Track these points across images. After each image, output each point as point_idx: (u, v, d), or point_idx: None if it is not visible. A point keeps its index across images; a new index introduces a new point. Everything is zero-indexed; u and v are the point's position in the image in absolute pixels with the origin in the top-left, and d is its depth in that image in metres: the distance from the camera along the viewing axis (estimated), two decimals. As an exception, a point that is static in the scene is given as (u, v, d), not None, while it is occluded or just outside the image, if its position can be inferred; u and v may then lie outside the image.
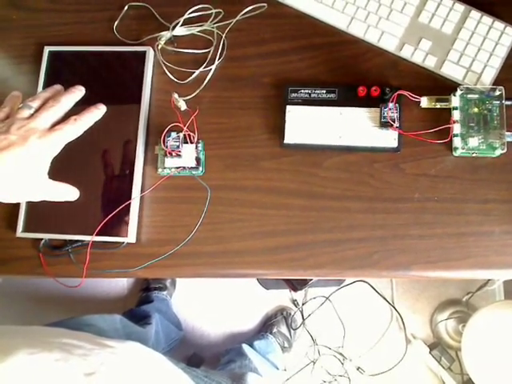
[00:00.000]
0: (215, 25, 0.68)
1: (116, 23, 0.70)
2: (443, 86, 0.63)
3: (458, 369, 1.34)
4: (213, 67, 0.67)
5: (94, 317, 0.77)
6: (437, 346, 1.35)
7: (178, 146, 0.62)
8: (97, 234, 0.61)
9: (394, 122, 0.60)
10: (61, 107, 0.53)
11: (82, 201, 0.63)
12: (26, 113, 0.52)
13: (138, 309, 1.23)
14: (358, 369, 1.38)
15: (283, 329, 1.36)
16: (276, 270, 0.62)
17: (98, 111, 0.55)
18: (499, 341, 1.05)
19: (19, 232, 0.63)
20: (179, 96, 0.63)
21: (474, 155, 0.61)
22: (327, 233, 0.61)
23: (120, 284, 1.46)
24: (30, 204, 0.64)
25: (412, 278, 0.63)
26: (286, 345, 1.34)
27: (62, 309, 1.41)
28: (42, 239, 0.64)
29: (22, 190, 0.51)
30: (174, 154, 0.62)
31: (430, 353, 1.35)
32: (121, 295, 1.46)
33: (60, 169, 0.65)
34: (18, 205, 0.64)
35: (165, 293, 1.36)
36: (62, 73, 0.69)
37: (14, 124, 0.50)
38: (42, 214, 0.64)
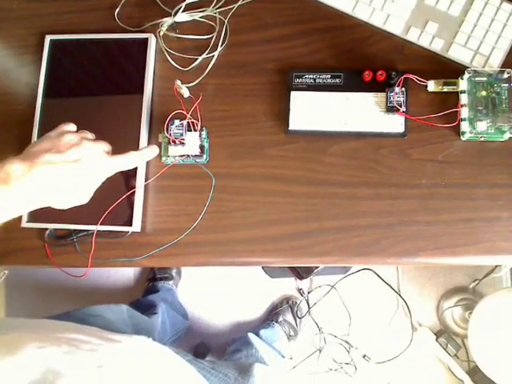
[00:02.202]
0: (217, 10, 0.67)
1: (117, 10, 0.69)
2: (450, 70, 0.62)
3: (465, 356, 1.34)
4: (216, 53, 0.66)
5: (100, 307, 0.78)
6: (443, 333, 1.35)
7: (182, 134, 0.61)
8: (101, 224, 0.61)
9: (401, 106, 0.59)
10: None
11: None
12: (89, 136, 0.56)
13: (145, 299, 1.23)
14: (364, 356, 1.38)
15: (289, 317, 1.36)
16: (281, 258, 0.61)
17: (152, 152, 0.60)
18: (506, 328, 1.05)
19: (24, 222, 0.63)
20: (182, 83, 0.62)
21: (482, 139, 0.60)
22: (333, 220, 0.61)
23: (126, 274, 1.47)
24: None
25: (419, 265, 0.62)
26: (292, 333, 1.34)
27: (69, 299, 1.42)
28: (47, 229, 0.64)
29: (75, 199, 0.53)
30: (177, 141, 0.61)
31: (436, 340, 1.35)
32: (127, 285, 1.46)
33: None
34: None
35: (171, 283, 1.36)
36: (64, 62, 0.68)
37: (85, 140, 0.53)
38: (47, 204, 0.64)
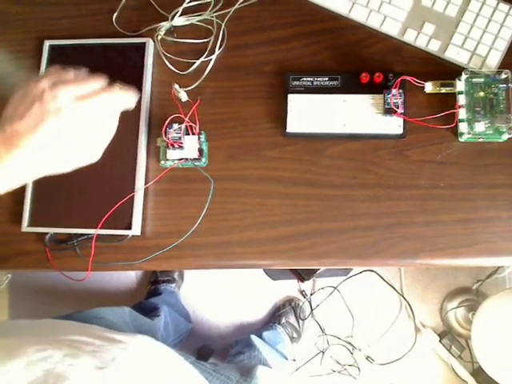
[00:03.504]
0: (214, 14, 0.67)
1: (115, 15, 0.69)
2: (448, 71, 0.62)
3: (469, 357, 1.33)
4: (213, 57, 0.66)
5: (103, 309, 0.78)
6: (447, 334, 1.35)
7: (180, 138, 0.61)
8: (101, 228, 0.61)
9: (398, 108, 0.59)
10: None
11: (86, 194, 0.64)
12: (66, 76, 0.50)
13: (147, 301, 1.24)
14: (368, 358, 1.38)
15: (292, 319, 1.36)
16: (281, 260, 0.61)
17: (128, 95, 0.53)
18: (509, 328, 1.04)
19: (24, 227, 0.64)
20: (180, 87, 0.63)
21: (480, 140, 0.60)
22: (331, 222, 0.61)
23: (129, 277, 1.47)
24: (34, 198, 0.64)
25: (419, 266, 0.62)
26: (295, 335, 1.34)
27: (72, 302, 1.43)
28: (47, 233, 0.64)
29: (76, 159, 0.50)
30: (176, 145, 0.62)
31: (439, 341, 1.34)
32: (130, 288, 1.47)
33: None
34: (22, 200, 0.64)
35: (173, 285, 1.36)
36: (63, 66, 0.68)
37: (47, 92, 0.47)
38: (47, 208, 0.64)
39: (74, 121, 0.47)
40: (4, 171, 0.44)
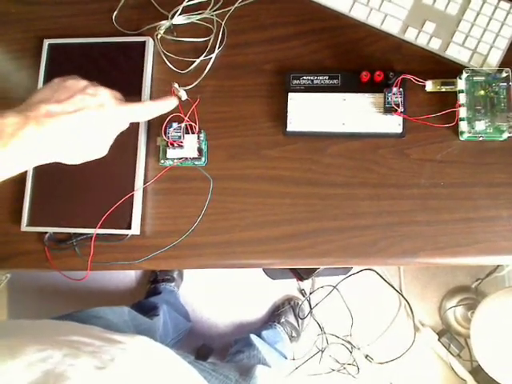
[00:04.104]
0: (214, 12, 0.67)
1: (115, 14, 0.69)
2: (448, 69, 0.62)
3: (468, 356, 1.34)
4: (213, 56, 0.66)
5: (102, 309, 0.78)
6: (445, 333, 1.35)
7: (180, 137, 0.61)
8: (101, 227, 0.61)
9: (399, 106, 0.59)
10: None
11: (86, 194, 0.64)
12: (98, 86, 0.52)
13: (146, 300, 1.23)
14: (367, 357, 1.38)
15: (291, 318, 1.36)
16: (280, 260, 0.61)
17: (170, 104, 0.56)
18: (508, 327, 1.04)
19: (24, 226, 0.63)
20: (180, 86, 0.62)
21: (480, 139, 0.60)
22: (332, 221, 0.61)
23: (128, 276, 1.47)
24: (33, 198, 0.64)
25: (419, 265, 0.62)
26: (294, 334, 1.34)
27: (72, 301, 1.43)
28: (46, 233, 0.64)
29: (86, 154, 0.51)
30: (175, 144, 0.61)
31: (438, 340, 1.34)
32: (129, 287, 1.47)
33: (62, 163, 0.65)
34: (22, 199, 0.64)
35: (172, 284, 1.36)
36: (63, 65, 0.68)
37: (90, 86, 0.49)
38: (46, 207, 0.64)
39: (112, 119, 0.50)
40: (26, 148, 0.44)
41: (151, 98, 0.66)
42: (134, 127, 0.64)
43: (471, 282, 1.38)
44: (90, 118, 0.47)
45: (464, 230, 0.59)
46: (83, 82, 0.49)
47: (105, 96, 0.49)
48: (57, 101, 0.46)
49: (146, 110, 0.54)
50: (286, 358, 1.24)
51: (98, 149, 0.51)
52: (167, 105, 0.56)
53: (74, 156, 0.49)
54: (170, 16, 0.66)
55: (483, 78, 0.60)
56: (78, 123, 0.46)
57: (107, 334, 0.52)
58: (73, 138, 0.47)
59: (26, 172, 0.64)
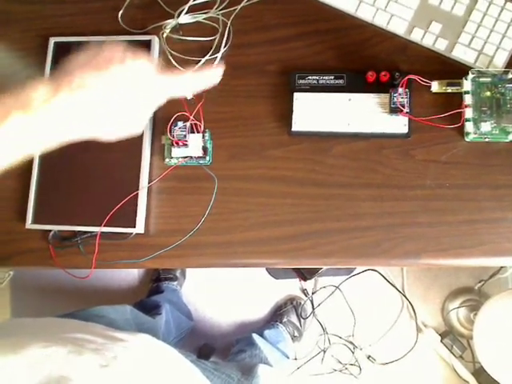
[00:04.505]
0: (220, 12, 0.67)
1: (121, 12, 0.69)
2: (454, 70, 0.62)
3: (470, 357, 1.33)
4: (219, 55, 0.66)
5: (104, 307, 0.78)
6: (448, 334, 1.34)
7: (185, 136, 0.61)
8: (105, 225, 0.61)
9: (404, 107, 0.59)
10: None
11: (91, 192, 0.64)
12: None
13: (149, 299, 1.24)
14: (369, 357, 1.38)
15: (293, 318, 1.36)
16: (284, 260, 0.61)
17: (215, 76, 0.50)
18: (511, 329, 1.04)
19: (28, 224, 0.64)
20: (185, 85, 0.62)
21: (486, 140, 0.60)
22: (335, 221, 0.61)
23: (131, 275, 1.47)
24: (38, 196, 0.64)
25: (422, 267, 0.62)
26: (296, 334, 1.34)
27: (74, 300, 1.43)
28: (51, 231, 0.64)
29: (122, 128, 0.47)
30: (180, 143, 0.62)
31: (441, 341, 1.34)
32: (132, 286, 1.47)
33: (68, 161, 0.65)
34: (26, 196, 0.64)
35: (175, 283, 1.36)
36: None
37: (129, 54, 0.46)
38: (51, 205, 0.64)
39: (150, 91, 0.46)
40: (57, 116, 0.41)
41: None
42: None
43: (474, 283, 1.38)
44: (127, 89, 0.44)
45: (468, 231, 0.59)
46: (121, 50, 0.46)
47: (143, 65, 0.45)
48: (92, 69, 0.43)
49: (187, 82, 0.49)
50: (288, 358, 1.24)
51: (134, 123, 0.47)
52: (210, 78, 0.50)
53: (108, 130, 0.46)
54: (176, 15, 0.67)
55: (489, 79, 0.60)
56: (114, 94, 0.43)
57: (110, 332, 0.53)
58: (107, 110, 0.44)
59: (31, 170, 0.64)
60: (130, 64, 0.44)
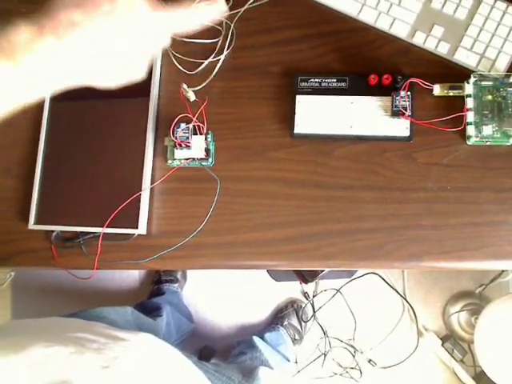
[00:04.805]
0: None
1: (124, 14, 0.69)
2: (456, 74, 0.62)
3: (471, 361, 1.33)
4: (222, 57, 0.66)
5: (105, 309, 0.78)
6: (449, 338, 1.34)
7: (188, 137, 0.61)
8: (108, 226, 0.61)
9: (406, 110, 0.59)
10: None
11: (93, 193, 0.64)
12: None
13: (150, 301, 1.24)
14: (370, 361, 1.38)
15: (294, 321, 1.36)
16: (286, 261, 0.61)
17: (217, 9, 0.44)
18: (513, 333, 1.04)
19: (31, 224, 0.64)
20: (188, 87, 0.63)
21: (488, 143, 0.60)
22: (337, 223, 0.61)
23: (132, 276, 1.47)
24: (41, 196, 0.64)
25: (425, 269, 0.62)
26: (297, 337, 1.34)
27: (75, 301, 1.43)
28: (53, 231, 0.64)
29: (120, 73, 0.42)
30: (183, 145, 0.62)
31: (442, 345, 1.34)
32: (133, 288, 1.47)
33: (71, 162, 0.65)
34: (29, 197, 0.64)
35: (176, 285, 1.37)
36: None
37: None
38: (54, 206, 0.64)
39: (147, 26, 0.41)
40: (43, 64, 0.37)
41: (160, 98, 0.67)
42: (142, 127, 0.64)
43: (475, 287, 1.37)
44: (121, 26, 0.39)
45: (470, 234, 0.59)
46: None
47: (136, 1, 0.40)
48: (79, 6, 0.38)
49: (187, 14, 0.44)
50: (288, 361, 1.24)
51: (134, 66, 0.42)
52: (213, 10, 0.44)
53: (104, 75, 0.41)
54: (179, 17, 0.67)
55: (491, 83, 0.60)
56: (107, 32, 0.38)
57: (112, 331, 0.53)
58: (100, 52, 0.39)
59: (34, 170, 0.65)
60: (123, 2, 0.39)
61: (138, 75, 0.43)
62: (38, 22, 0.36)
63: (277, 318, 1.38)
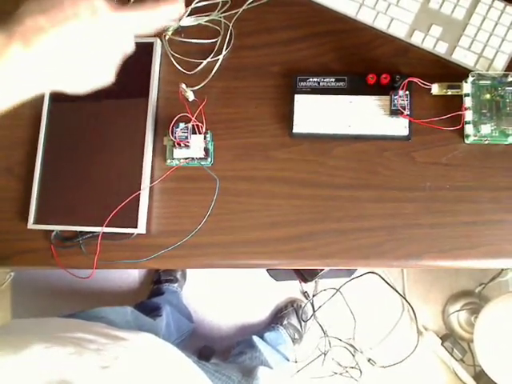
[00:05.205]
0: (222, 14, 0.67)
1: (123, 15, 0.70)
2: (454, 73, 0.62)
3: (471, 360, 1.33)
4: (220, 57, 0.66)
5: (105, 309, 0.78)
6: (449, 337, 1.34)
7: (187, 137, 0.62)
8: (107, 226, 0.62)
9: (405, 109, 0.59)
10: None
11: (93, 192, 0.64)
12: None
13: (149, 301, 1.24)
14: (369, 360, 1.38)
15: (294, 320, 1.36)
16: (285, 260, 0.62)
17: (175, 8, 0.45)
18: (512, 332, 1.04)
19: (30, 224, 0.64)
20: (187, 86, 0.63)
21: (486, 142, 0.60)
22: (337, 222, 0.61)
23: (131, 276, 1.47)
24: (40, 196, 0.64)
25: (423, 268, 0.62)
26: (297, 336, 1.34)
27: (75, 301, 1.43)
28: (53, 231, 0.64)
29: (87, 78, 0.43)
30: (182, 144, 0.62)
31: (441, 344, 1.34)
32: (132, 287, 1.47)
33: (70, 162, 0.66)
34: (29, 197, 0.64)
35: (175, 285, 1.37)
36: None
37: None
38: (53, 205, 0.64)
39: (109, 29, 0.42)
40: (13, 71, 0.37)
41: (159, 98, 0.67)
42: (141, 127, 0.64)
43: (474, 286, 1.38)
44: (84, 29, 0.40)
45: (469, 233, 0.59)
46: None
47: (98, 2, 0.41)
48: (44, 12, 0.39)
49: (148, 15, 0.45)
50: (288, 361, 1.25)
51: (101, 70, 0.43)
52: (171, 9, 0.45)
53: (74, 80, 0.42)
54: (178, 17, 0.67)
55: (489, 82, 0.60)
56: (71, 36, 0.39)
57: (112, 331, 0.53)
58: (67, 56, 0.40)
59: (33, 170, 0.65)
60: (85, 5, 0.40)
61: (106, 79, 0.44)
62: (7, 29, 0.38)
63: (276, 318, 1.38)
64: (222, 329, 1.42)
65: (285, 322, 1.34)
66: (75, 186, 0.65)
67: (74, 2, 0.40)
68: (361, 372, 1.37)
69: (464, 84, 0.60)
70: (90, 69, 0.42)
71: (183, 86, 0.62)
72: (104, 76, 0.44)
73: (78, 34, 0.40)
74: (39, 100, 0.67)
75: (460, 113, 0.60)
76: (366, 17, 0.65)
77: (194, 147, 0.63)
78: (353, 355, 1.38)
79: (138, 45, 0.67)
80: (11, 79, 0.38)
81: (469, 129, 0.60)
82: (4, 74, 0.37)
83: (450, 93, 0.61)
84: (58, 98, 0.67)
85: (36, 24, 0.38)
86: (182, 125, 0.62)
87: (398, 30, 0.64)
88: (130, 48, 0.45)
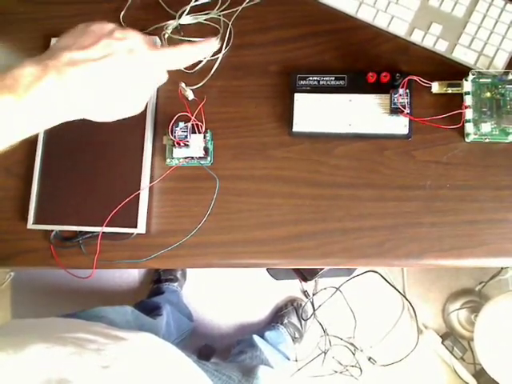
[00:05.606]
0: (222, 13, 0.67)
1: (122, 13, 0.69)
2: (455, 71, 0.62)
3: (471, 359, 1.33)
4: (220, 56, 0.66)
5: (105, 308, 0.78)
6: (449, 336, 1.35)
7: (186, 136, 0.61)
8: (107, 225, 0.61)
9: (405, 108, 0.59)
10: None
11: (92, 192, 0.64)
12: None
13: (149, 300, 1.24)
14: (370, 359, 1.38)
15: (294, 319, 1.36)
16: (286, 260, 0.61)
17: (210, 47, 0.48)
18: (512, 330, 1.04)
19: (30, 224, 0.64)
20: (186, 85, 0.63)
21: (486, 141, 0.60)
22: (337, 221, 0.61)
23: (131, 276, 1.47)
24: (40, 196, 0.64)
25: (424, 267, 0.62)
26: (297, 335, 1.34)
27: (75, 301, 1.43)
28: (52, 231, 0.64)
29: (119, 109, 0.45)
30: (182, 144, 0.62)
31: (442, 343, 1.34)
32: (132, 287, 1.47)
33: (69, 162, 0.65)
34: (28, 197, 0.64)
35: (176, 284, 1.37)
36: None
37: (118, 30, 0.43)
38: (53, 205, 0.64)
39: (144, 66, 0.43)
40: (46, 101, 0.39)
41: (158, 97, 0.67)
42: (141, 126, 0.64)
43: (475, 284, 1.38)
44: (119, 65, 0.41)
45: (469, 232, 0.59)
46: (110, 25, 0.43)
47: (135, 40, 0.43)
48: (80, 47, 0.40)
49: (183, 54, 0.47)
50: (288, 360, 1.25)
51: (132, 103, 0.45)
52: (207, 48, 0.48)
53: (104, 111, 0.44)
54: (177, 16, 0.67)
55: (489, 80, 0.60)
56: (105, 71, 0.41)
57: (112, 331, 0.53)
58: (100, 89, 0.41)
59: (33, 170, 0.65)
60: (122, 40, 0.42)
61: (136, 111, 0.46)
62: (42, 60, 0.39)
63: (277, 317, 1.38)
64: (222, 328, 1.42)
65: (285, 321, 1.34)
66: (75, 186, 0.64)
67: (110, 38, 0.42)
68: (361, 371, 1.37)
69: (464, 82, 0.60)
70: (123, 103, 0.44)
71: (183, 84, 0.62)
72: (136, 108, 0.46)
73: (114, 72, 0.41)
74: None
75: (460, 111, 0.60)
76: (366, 15, 0.65)
77: (194, 146, 0.62)
78: (353, 354, 1.38)
79: (137, 44, 0.67)
80: (43, 108, 0.39)
81: (469, 127, 0.59)
82: (35, 104, 0.38)
83: (450, 91, 0.61)
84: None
85: (71, 59, 0.40)
86: (181, 124, 0.62)
87: (398, 28, 0.64)
88: (163, 82, 0.47)
